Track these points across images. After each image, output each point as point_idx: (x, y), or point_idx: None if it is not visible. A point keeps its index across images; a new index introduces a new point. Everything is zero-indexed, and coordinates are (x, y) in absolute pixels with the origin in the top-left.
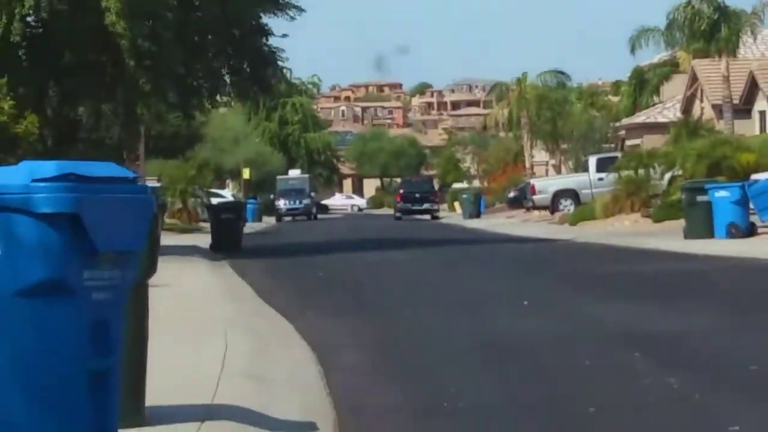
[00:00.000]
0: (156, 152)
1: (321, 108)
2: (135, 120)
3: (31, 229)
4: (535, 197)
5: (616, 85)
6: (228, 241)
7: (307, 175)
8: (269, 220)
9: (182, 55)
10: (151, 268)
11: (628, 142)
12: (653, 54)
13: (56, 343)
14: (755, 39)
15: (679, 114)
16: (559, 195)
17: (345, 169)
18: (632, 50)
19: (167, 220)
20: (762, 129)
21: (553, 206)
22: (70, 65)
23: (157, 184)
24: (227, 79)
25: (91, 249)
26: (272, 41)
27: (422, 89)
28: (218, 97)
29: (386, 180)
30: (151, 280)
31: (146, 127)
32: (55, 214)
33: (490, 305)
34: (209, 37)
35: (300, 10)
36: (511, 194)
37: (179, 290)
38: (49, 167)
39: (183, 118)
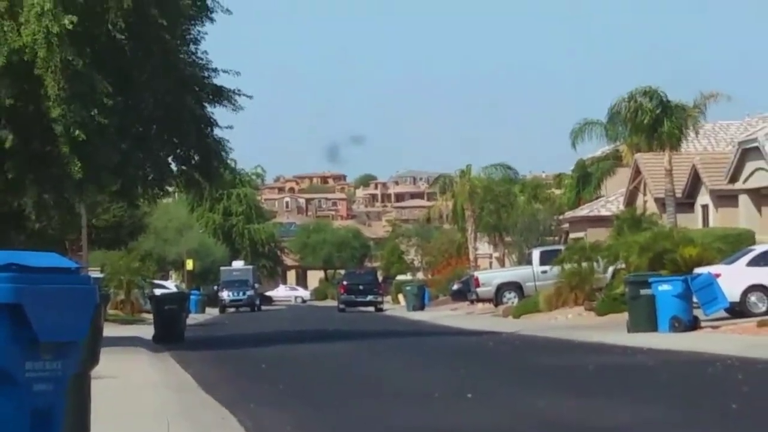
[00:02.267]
0: (99, 243)
1: (265, 199)
2: (70, 209)
3: None
4: (478, 290)
5: (560, 178)
6: (171, 333)
7: (250, 267)
8: (213, 311)
9: (125, 143)
10: (93, 359)
11: (572, 235)
12: (596, 147)
13: None
14: (697, 134)
15: (622, 207)
16: (502, 287)
17: (289, 260)
18: (573, 144)
19: (110, 311)
20: (704, 222)
21: (496, 299)
22: (14, 153)
23: (100, 275)
24: (173, 168)
25: (32, 339)
26: (217, 132)
27: (366, 181)
28: (166, 186)
29: (330, 272)
30: (93, 372)
31: (87, 217)
32: None
33: (434, 397)
34: (154, 127)
35: (247, 97)
36: (455, 286)
37: (122, 382)
38: None
39: (127, 208)
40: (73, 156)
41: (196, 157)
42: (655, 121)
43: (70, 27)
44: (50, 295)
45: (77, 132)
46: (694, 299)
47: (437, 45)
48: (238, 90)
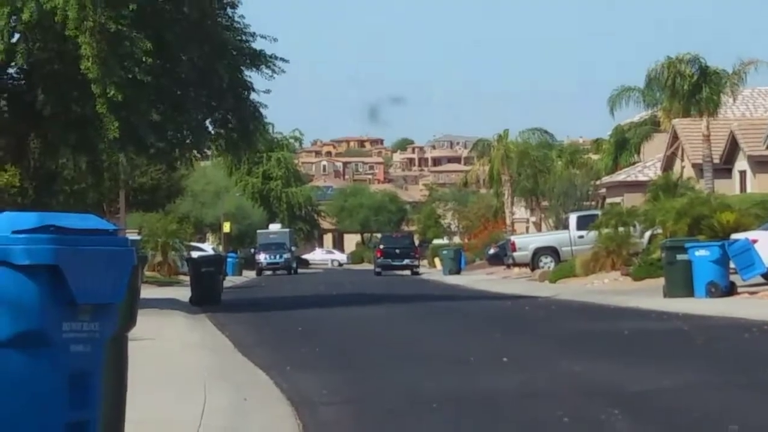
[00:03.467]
0: (136, 205)
1: (302, 162)
2: (107, 171)
3: (9, 280)
4: (515, 254)
5: (597, 144)
6: (208, 295)
7: (287, 230)
8: (249, 274)
9: (163, 105)
10: (130, 321)
11: (609, 200)
12: (634, 113)
13: (35, 396)
14: (735, 100)
15: (659, 173)
16: (539, 252)
17: (325, 224)
18: (611, 110)
19: (147, 273)
20: (742, 188)
21: (533, 263)
22: (51, 116)
23: (137, 237)
24: (212, 132)
25: (70, 301)
26: (254, 96)
27: (403, 145)
28: (204, 150)
29: (366, 235)
30: (131, 333)
31: (124, 179)
32: (34, 265)
33: (470, 361)
34: (191, 90)
35: (284, 61)
36: (492, 251)
37: (159, 344)
38: (28, 219)
39: (164, 171)
40: (111, 116)
41: (234, 121)
42: (694, 87)
43: None
44: (88, 256)
45: (114, 92)
46: (731, 265)
47: (475, 8)
48: (275, 55)
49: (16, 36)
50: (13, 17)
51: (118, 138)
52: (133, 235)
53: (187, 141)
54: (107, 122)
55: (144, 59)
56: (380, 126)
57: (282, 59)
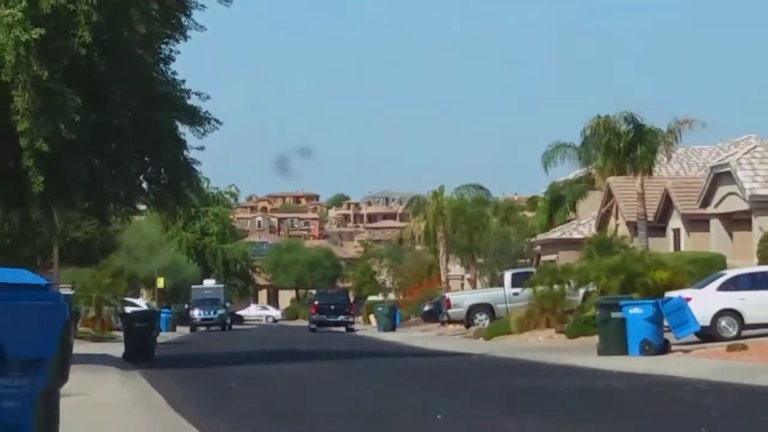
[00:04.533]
0: (70, 260)
1: (238, 218)
2: (33, 225)
3: None
4: (450, 311)
5: (533, 201)
6: (141, 351)
7: (222, 285)
8: (184, 330)
9: (97, 160)
10: (62, 377)
11: (544, 258)
12: (569, 170)
13: None
14: (669, 158)
15: (594, 230)
16: (474, 309)
17: (260, 279)
18: (545, 167)
19: (80, 328)
20: (676, 246)
21: (468, 320)
22: None
23: (71, 292)
24: (144, 186)
25: (0, 355)
26: (189, 152)
27: (339, 201)
28: (137, 205)
29: (302, 291)
30: (63, 389)
31: (54, 234)
32: None
33: (403, 418)
34: (126, 144)
35: (217, 122)
36: (427, 307)
37: (91, 400)
38: None
39: (98, 225)
40: (37, 170)
41: (166, 177)
42: (629, 145)
43: (36, 37)
44: (19, 311)
45: (41, 145)
46: (665, 323)
47: (411, 65)
48: (209, 113)
49: None
50: None
51: (43, 192)
52: (66, 290)
53: (121, 195)
54: (33, 176)
55: (74, 116)
56: (309, 180)
57: (215, 120)
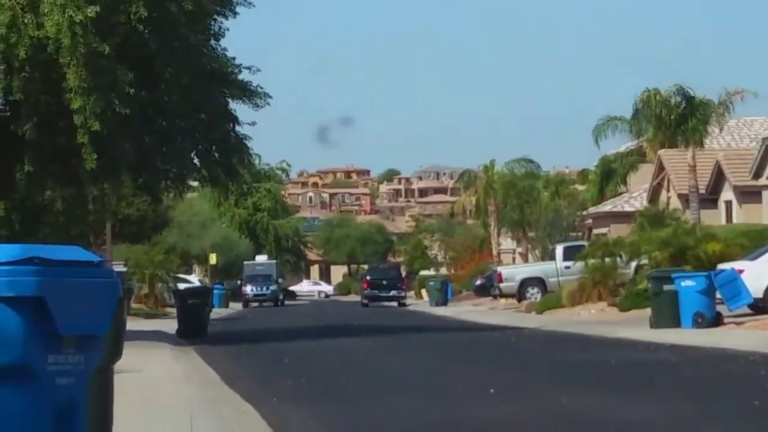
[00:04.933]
0: (123, 237)
1: (289, 194)
2: (86, 202)
3: None
4: (502, 285)
5: (584, 174)
6: (194, 327)
7: (274, 261)
8: (236, 306)
9: (148, 137)
10: (116, 353)
11: (595, 231)
12: (619, 143)
13: (20, 429)
14: (721, 130)
15: (645, 203)
16: (526, 283)
17: (312, 255)
18: (596, 140)
19: (134, 305)
20: (728, 219)
21: (520, 294)
22: (37, 147)
23: (124, 269)
24: (196, 162)
25: (54, 333)
26: (239, 129)
27: (390, 176)
28: (189, 182)
29: (353, 266)
30: (117, 366)
31: (107, 211)
32: (18, 297)
33: (457, 393)
34: (177, 121)
35: (267, 96)
36: (478, 282)
37: (145, 376)
38: (12, 250)
39: (150, 202)
40: (90, 148)
41: (218, 153)
42: (680, 118)
43: (92, 16)
44: (73, 288)
45: (93, 123)
46: (718, 295)
47: (461, 39)
48: (260, 87)
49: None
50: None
51: (95, 170)
52: (119, 267)
53: (172, 172)
54: (86, 153)
55: (127, 91)
56: (359, 155)
57: (267, 94)
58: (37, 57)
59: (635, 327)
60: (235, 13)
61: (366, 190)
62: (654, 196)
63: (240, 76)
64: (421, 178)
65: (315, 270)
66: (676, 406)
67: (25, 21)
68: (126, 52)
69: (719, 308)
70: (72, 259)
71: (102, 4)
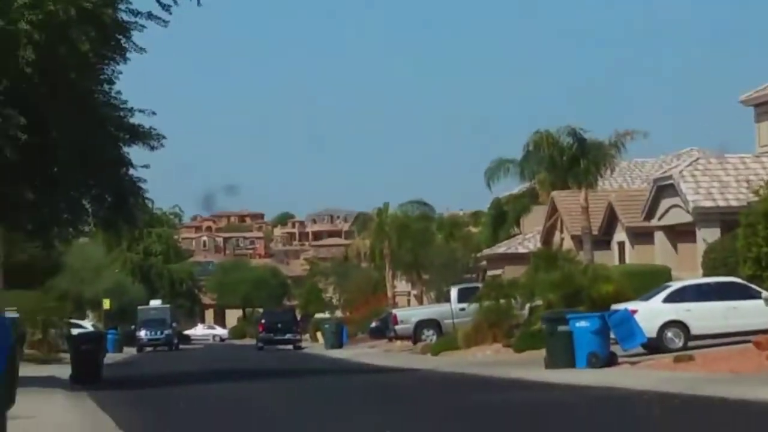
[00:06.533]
0: (14, 283)
1: (182, 238)
2: None
3: None
4: (397, 327)
5: (477, 216)
6: (88, 373)
7: (168, 306)
8: (130, 351)
9: (39, 183)
10: (9, 400)
11: (490, 273)
12: (512, 185)
13: None
14: (612, 171)
15: (539, 245)
16: (421, 325)
17: (207, 299)
18: (488, 183)
19: (26, 351)
20: (621, 259)
21: (415, 336)
22: None
23: (15, 315)
24: (89, 209)
25: None
26: (133, 172)
27: (284, 219)
28: (81, 227)
29: (248, 310)
30: (10, 412)
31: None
32: None
33: None
34: (67, 167)
35: (161, 137)
36: (374, 324)
37: (39, 422)
38: None
39: (42, 248)
40: None
41: (111, 198)
42: (572, 160)
43: None
44: None
45: None
46: (612, 335)
47: (351, 82)
48: (154, 128)
49: None
50: None
51: None
52: (11, 313)
53: (64, 218)
54: None
55: (19, 135)
56: (253, 199)
57: (160, 134)
58: None
59: (530, 367)
60: (126, 60)
61: (260, 234)
62: (548, 237)
63: (133, 120)
64: (315, 221)
65: (210, 314)
66: None
67: None
68: (15, 98)
69: (613, 348)
70: None
71: None
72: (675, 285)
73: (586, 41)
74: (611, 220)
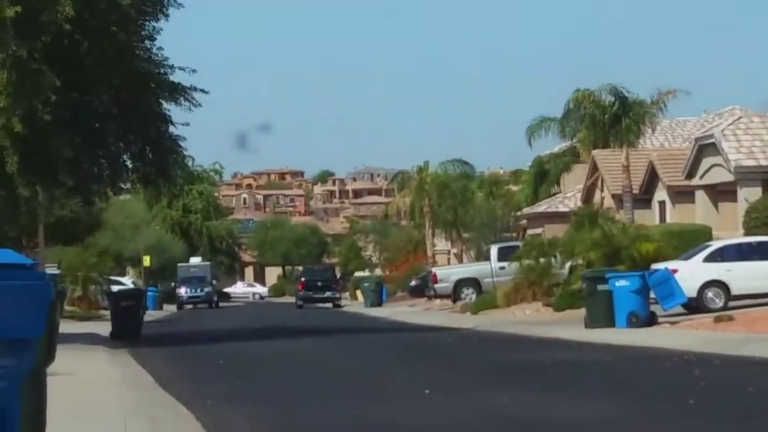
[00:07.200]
0: (56, 239)
1: (223, 196)
2: (16, 204)
3: None
4: (436, 285)
5: (517, 174)
6: (128, 330)
7: (208, 263)
8: (170, 308)
9: (78, 138)
10: (49, 356)
11: (530, 232)
12: (553, 144)
13: None
14: (654, 130)
15: (579, 203)
16: (460, 283)
17: (246, 256)
18: (530, 141)
19: (67, 308)
20: (662, 218)
21: (454, 295)
22: None
23: (56, 271)
24: (129, 165)
25: None
26: (173, 129)
27: (324, 177)
28: (121, 184)
29: (288, 268)
30: (50, 368)
31: (41, 213)
32: None
33: (391, 393)
34: (108, 122)
35: (203, 92)
36: (413, 283)
37: (79, 379)
38: None
39: (83, 204)
40: (12, 149)
41: (151, 155)
42: (614, 118)
43: (11, 15)
44: (3, 291)
45: (16, 124)
46: (652, 295)
47: (394, 39)
48: (194, 86)
49: None
50: None
51: (26, 171)
52: (51, 270)
53: (104, 174)
54: (8, 155)
55: (51, 97)
56: (293, 156)
57: (202, 90)
58: None
59: (570, 327)
60: (167, 15)
61: (300, 192)
62: (588, 196)
63: (173, 77)
64: (355, 180)
65: (249, 272)
66: (612, 406)
67: None
68: (56, 53)
69: (653, 308)
70: (3, 262)
71: (26, 4)
72: (715, 244)
73: None
74: (652, 178)
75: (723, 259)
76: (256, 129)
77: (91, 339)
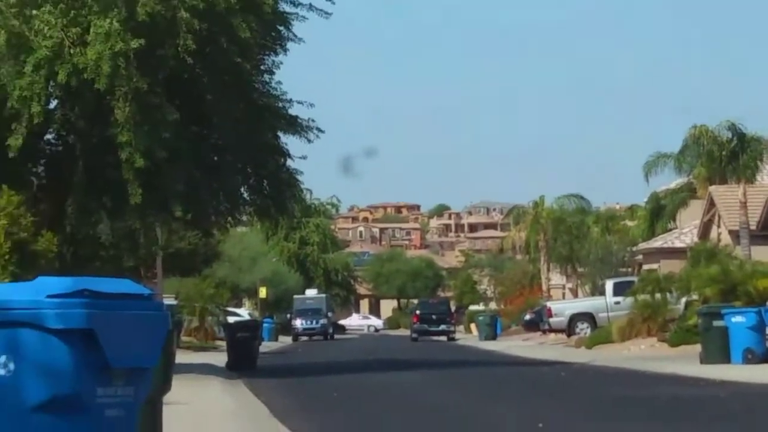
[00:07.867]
0: (174, 270)
1: (339, 229)
2: (136, 236)
3: (43, 344)
4: (551, 320)
5: (632, 210)
6: (244, 360)
7: (324, 295)
8: (286, 340)
9: (197, 171)
10: (165, 385)
11: (645, 267)
12: (669, 179)
13: None
14: None
15: (696, 239)
16: (575, 318)
17: (362, 289)
18: (646, 177)
19: (184, 338)
20: None
21: (569, 329)
22: (87, 181)
23: (174, 302)
24: (246, 197)
25: (104, 365)
26: (290, 163)
27: (440, 211)
28: (238, 216)
29: (403, 301)
30: (166, 398)
31: (155, 245)
32: (68, 329)
33: (506, 426)
34: (227, 155)
35: (319, 131)
36: (528, 317)
37: (194, 409)
38: (63, 283)
39: (201, 236)
40: (135, 182)
41: (268, 188)
42: (731, 154)
43: (135, 47)
44: (123, 321)
45: (138, 159)
46: None
47: (507, 74)
48: (312, 120)
49: (54, 102)
50: (51, 83)
51: (142, 204)
52: (169, 300)
53: (222, 207)
54: (131, 188)
55: (168, 133)
56: (410, 191)
57: (318, 128)
58: (82, 87)
59: (685, 362)
60: (286, 50)
61: (416, 225)
62: (705, 231)
63: (292, 111)
64: (471, 213)
65: (365, 304)
66: None
67: (71, 51)
68: (175, 87)
69: None
70: (122, 292)
71: (148, 37)
72: None
73: (748, 33)
74: None
75: None
76: (371, 160)
77: (207, 369)
